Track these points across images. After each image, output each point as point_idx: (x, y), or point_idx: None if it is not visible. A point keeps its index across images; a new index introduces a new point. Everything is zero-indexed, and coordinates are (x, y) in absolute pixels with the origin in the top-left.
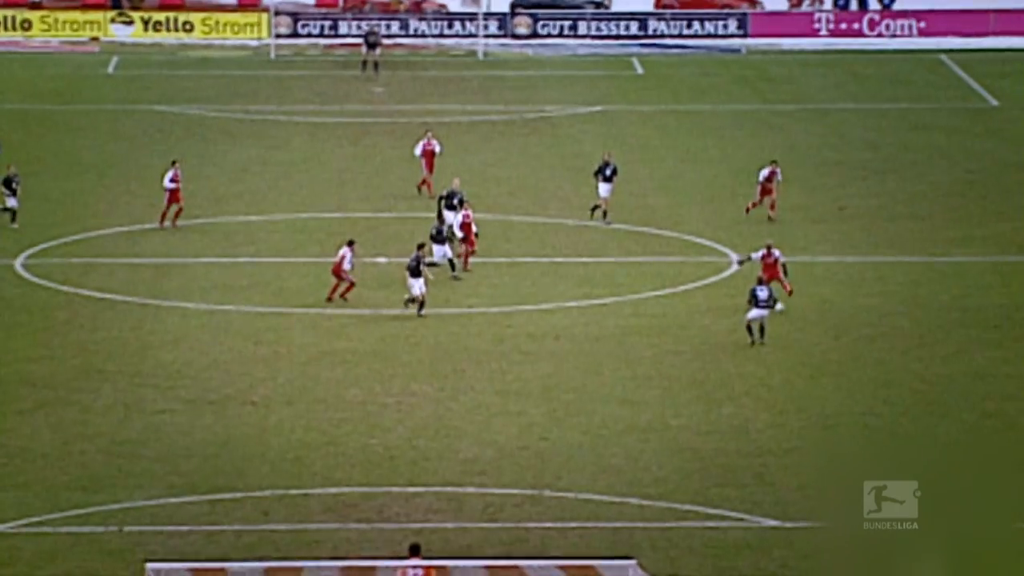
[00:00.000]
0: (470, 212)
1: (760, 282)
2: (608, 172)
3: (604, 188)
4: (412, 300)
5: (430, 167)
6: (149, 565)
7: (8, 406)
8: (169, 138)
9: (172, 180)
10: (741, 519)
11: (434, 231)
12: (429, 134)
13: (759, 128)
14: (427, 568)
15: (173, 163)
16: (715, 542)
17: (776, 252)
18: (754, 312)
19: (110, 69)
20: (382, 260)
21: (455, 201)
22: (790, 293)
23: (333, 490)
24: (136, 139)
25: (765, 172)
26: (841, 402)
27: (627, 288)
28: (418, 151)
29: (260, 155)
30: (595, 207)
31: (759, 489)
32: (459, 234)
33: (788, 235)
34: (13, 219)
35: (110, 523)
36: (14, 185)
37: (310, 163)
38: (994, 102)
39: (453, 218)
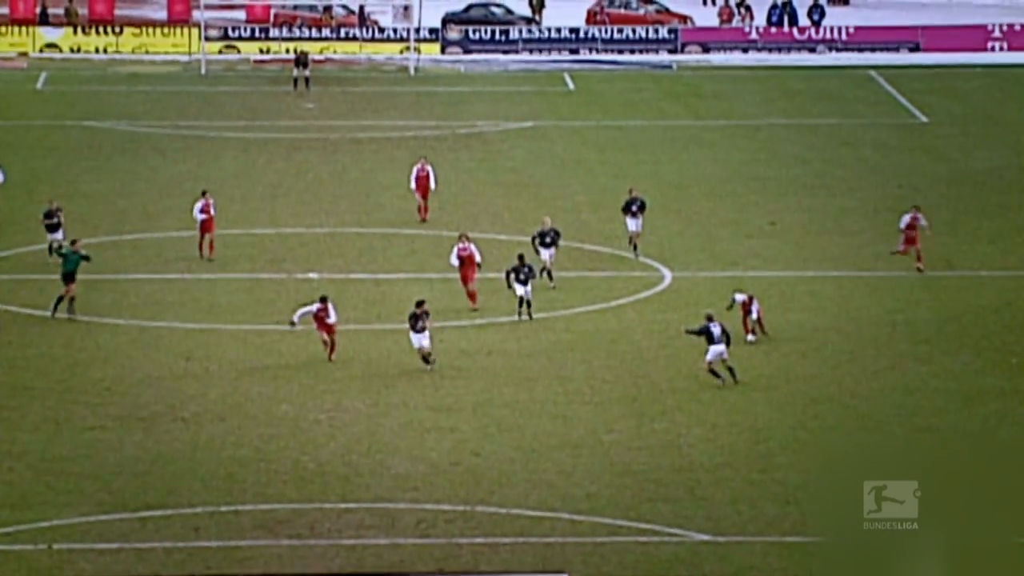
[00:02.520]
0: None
1: (710, 319)
2: (635, 207)
3: (633, 223)
4: (424, 358)
5: (424, 193)
6: None
7: None
8: (99, 154)
9: (202, 211)
10: (673, 534)
11: (517, 271)
12: (423, 160)
13: (690, 144)
14: None
15: (203, 193)
16: (647, 557)
17: (754, 305)
18: (712, 352)
19: (39, 84)
20: (313, 276)
21: (547, 239)
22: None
23: (264, 506)
24: (66, 155)
25: (906, 219)
26: (772, 417)
27: (559, 303)
28: (412, 180)
29: (191, 171)
30: (633, 243)
31: (691, 504)
32: (546, 260)
33: (718, 250)
34: (51, 252)
35: (39, 541)
36: (55, 219)
37: (241, 179)
38: (923, 118)
39: (546, 255)
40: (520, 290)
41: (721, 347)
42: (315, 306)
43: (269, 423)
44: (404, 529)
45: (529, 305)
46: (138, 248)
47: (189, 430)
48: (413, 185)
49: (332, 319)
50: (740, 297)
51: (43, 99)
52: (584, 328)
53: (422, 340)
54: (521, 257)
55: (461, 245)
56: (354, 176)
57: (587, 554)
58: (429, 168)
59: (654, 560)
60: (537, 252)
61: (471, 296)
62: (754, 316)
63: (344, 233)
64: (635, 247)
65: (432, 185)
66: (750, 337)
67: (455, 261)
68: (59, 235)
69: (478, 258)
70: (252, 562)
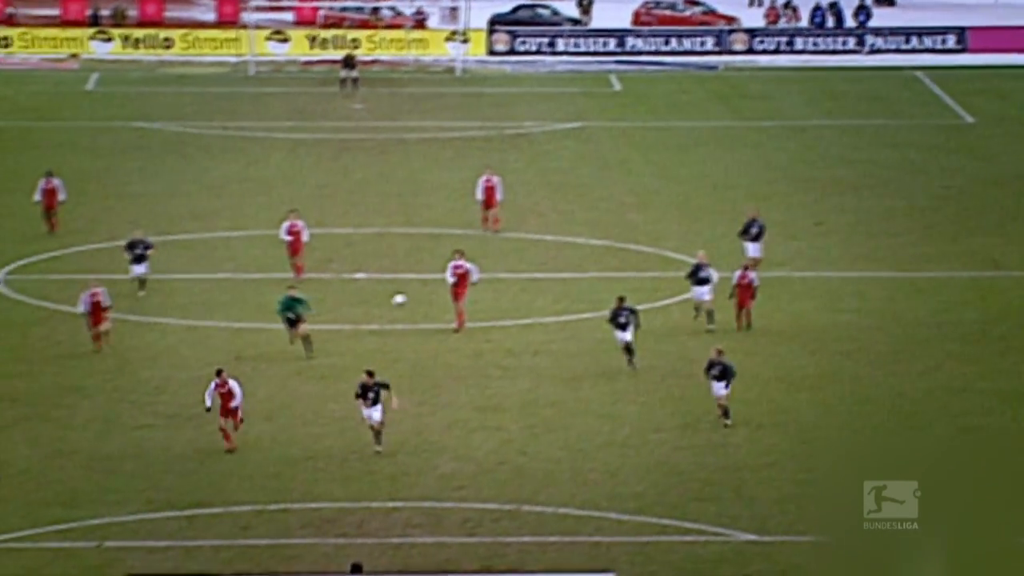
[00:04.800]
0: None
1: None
2: (755, 231)
3: (753, 248)
4: (379, 432)
5: (490, 205)
6: None
7: None
8: (148, 154)
9: (289, 232)
10: (718, 533)
11: (616, 314)
12: (488, 170)
13: (736, 144)
14: None
15: (291, 212)
16: (693, 556)
17: (751, 275)
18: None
19: (89, 86)
20: (360, 276)
21: (703, 274)
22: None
23: (312, 505)
24: (115, 155)
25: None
26: (818, 417)
27: (605, 303)
28: (479, 191)
29: (239, 171)
30: (746, 268)
31: (737, 504)
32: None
33: (765, 251)
34: (141, 287)
35: (90, 539)
36: (138, 250)
37: (289, 179)
38: (969, 119)
39: (703, 292)
40: (621, 337)
41: (627, 335)
42: (213, 383)
43: (317, 422)
44: (450, 528)
45: (631, 352)
46: (187, 248)
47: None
48: (480, 196)
49: (236, 400)
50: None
51: (93, 100)
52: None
53: (373, 413)
54: (621, 299)
55: (456, 262)
56: (401, 176)
57: (633, 553)
58: (495, 179)
59: (700, 559)
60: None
61: (459, 315)
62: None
63: (391, 233)
64: (754, 264)
65: (499, 196)
66: (709, 326)
67: (451, 279)
68: (144, 268)
69: (474, 276)
70: (300, 560)
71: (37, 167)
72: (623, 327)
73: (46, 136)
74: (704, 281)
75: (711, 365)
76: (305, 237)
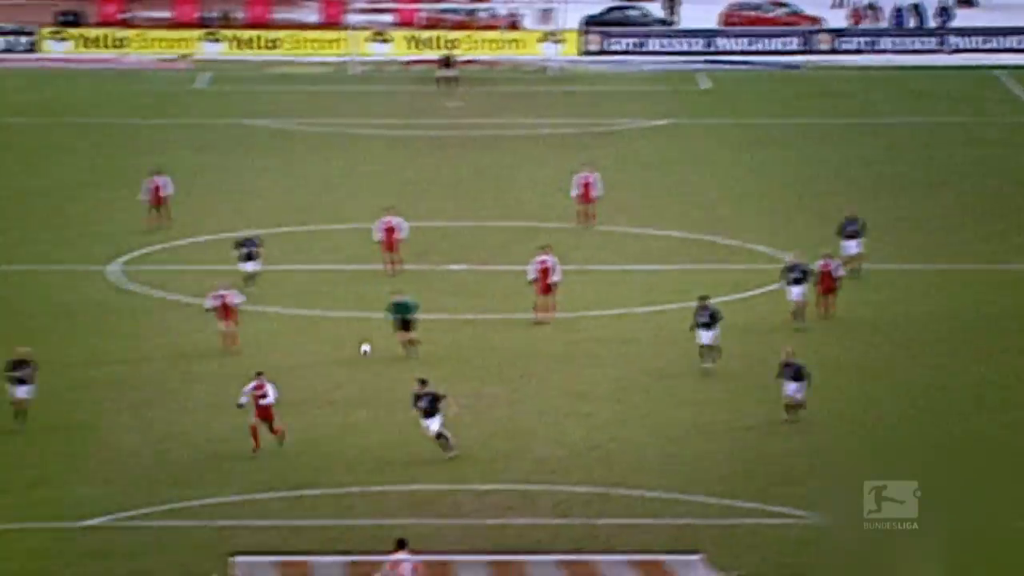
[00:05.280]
0: (548, 258)
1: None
2: (852, 229)
3: (851, 245)
4: (443, 440)
5: (587, 201)
6: (236, 559)
7: (103, 406)
8: (254, 151)
9: (383, 229)
10: (801, 517)
11: (697, 314)
12: (586, 168)
13: (819, 141)
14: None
15: (387, 209)
16: (776, 539)
17: (834, 264)
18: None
19: (200, 85)
20: (456, 267)
21: (796, 275)
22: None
23: (411, 487)
24: (223, 152)
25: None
26: (899, 405)
27: (693, 295)
28: (576, 188)
29: (341, 167)
30: (853, 269)
31: (818, 488)
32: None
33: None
34: (250, 283)
35: (201, 518)
36: (247, 249)
37: (389, 174)
38: None
39: (797, 293)
40: (702, 336)
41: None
42: (252, 383)
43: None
44: (543, 510)
45: (712, 353)
46: (291, 240)
47: (339, 414)
48: (576, 192)
49: (270, 398)
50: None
51: (203, 99)
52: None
53: (430, 424)
54: (703, 299)
55: (541, 257)
56: (496, 172)
57: (719, 535)
58: (593, 177)
59: (784, 541)
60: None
61: (545, 309)
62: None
63: (486, 227)
64: (858, 270)
65: (595, 193)
66: (799, 324)
67: (532, 274)
68: (255, 265)
69: (555, 276)
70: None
71: (150, 163)
72: (704, 327)
73: (159, 133)
74: (798, 281)
75: (784, 366)
76: (402, 234)
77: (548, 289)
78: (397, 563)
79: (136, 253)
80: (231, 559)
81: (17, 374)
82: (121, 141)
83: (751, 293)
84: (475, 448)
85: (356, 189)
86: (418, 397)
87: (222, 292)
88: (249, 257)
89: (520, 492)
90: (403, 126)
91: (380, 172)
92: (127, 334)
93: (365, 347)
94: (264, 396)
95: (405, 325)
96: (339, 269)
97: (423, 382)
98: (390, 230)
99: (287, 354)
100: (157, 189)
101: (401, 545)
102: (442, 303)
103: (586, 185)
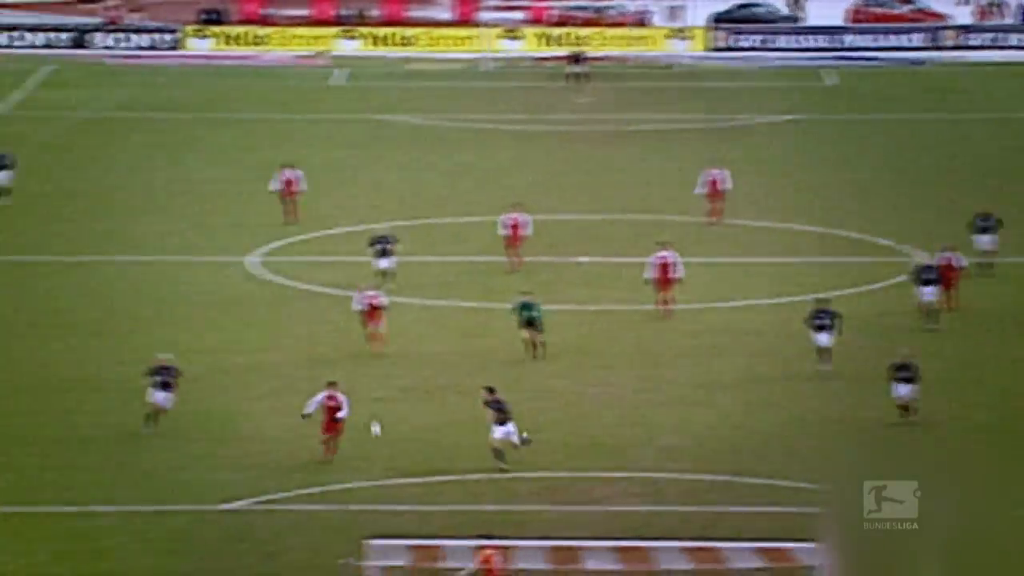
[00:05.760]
0: (668, 254)
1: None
2: (983, 224)
3: (984, 241)
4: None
5: (715, 196)
6: (369, 543)
7: (242, 393)
8: (389, 145)
9: (508, 225)
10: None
11: (813, 316)
12: (714, 165)
13: (944, 137)
14: (498, 551)
15: (513, 206)
16: (896, 530)
17: (951, 257)
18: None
19: (336, 81)
20: (584, 260)
21: (927, 275)
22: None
23: (539, 474)
24: (359, 146)
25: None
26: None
27: (818, 288)
28: (703, 187)
29: (473, 161)
30: (985, 265)
31: (940, 480)
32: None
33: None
34: (385, 279)
35: (334, 502)
36: (382, 245)
37: (520, 168)
38: None
39: (928, 293)
40: (817, 339)
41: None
42: (323, 393)
43: (544, 397)
44: (669, 498)
45: (826, 355)
46: (424, 232)
47: (469, 402)
48: (704, 189)
49: (344, 412)
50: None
51: (339, 95)
52: (841, 310)
53: (497, 431)
54: (820, 301)
55: (660, 253)
56: (623, 166)
57: (842, 524)
58: (720, 173)
59: (908, 532)
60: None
61: (665, 303)
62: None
63: (613, 220)
64: (991, 265)
65: (723, 188)
66: (931, 326)
67: (651, 272)
68: (390, 262)
69: (676, 272)
70: (527, 526)
71: (288, 158)
72: (821, 329)
73: (296, 129)
74: (930, 282)
75: (896, 367)
76: (527, 231)
77: (668, 284)
78: (488, 557)
79: (274, 245)
80: (365, 542)
81: (160, 379)
82: (260, 136)
83: (877, 286)
84: (603, 436)
85: (486, 183)
86: (487, 404)
87: (369, 295)
88: (384, 253)
89: (647, 480)
90: (533, 121)
91: (510, 166)
92: (265, 323)
93: (375, 428)
94: (338, 408)
95: (531, 323)
96: (470, 261)
97: (491, 390)
98: (515, 227)
99: (418, 344)
100: (289, 183)
101: (485, 538)
102: (570, 295)
103: (714, 182)
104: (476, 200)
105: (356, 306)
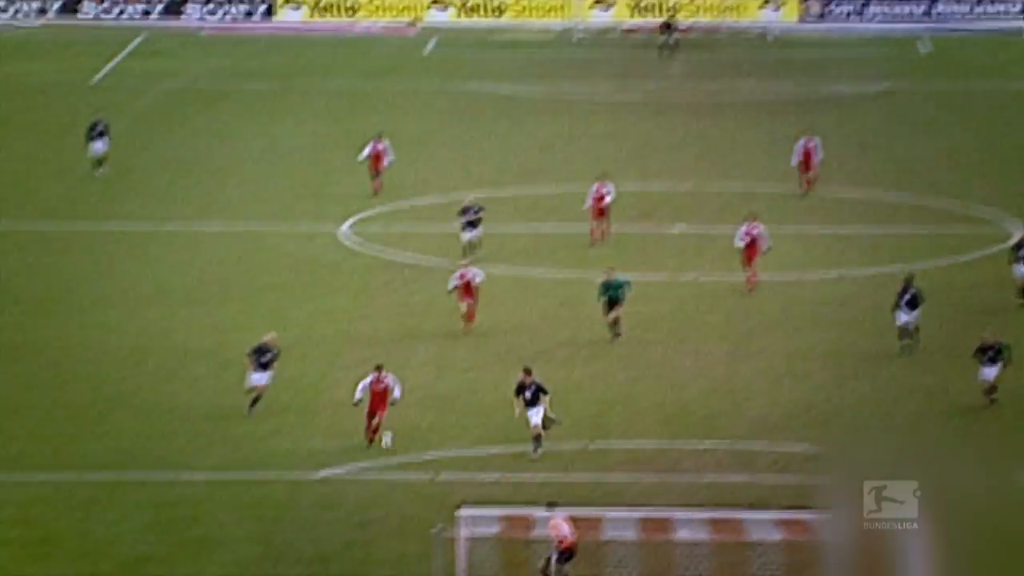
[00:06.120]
0: (757, 226)
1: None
2: None
3: None
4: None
5: (808, 167)
6: (461, 512)
7: (333, 362)
8: (479, 115)
9: (595, 196)
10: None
11: (901, 295)
12: (807, 135)
13: None
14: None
15: (600, 177)
16: (990, 495)
17: None
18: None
19: (427, 51)
20: (678, 228)
21: None
22: None
23: (630, 444)
24: (450, 116)
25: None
26: None
27: (912, 258)
28: (797, 155)
29: (564, 131)
30: None
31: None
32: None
33: None
34: (472, 250)
35: (425, 471)
36: (469, 216)
37: (611, 138)
38: None
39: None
40: (902, 317)
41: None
42: (370, 377)
43: (636, 366)
44: (760, 468)
45: (909, 335)
46: (514, 202)
47: (561, 371)
48: (797, 159)
49: (396, 394)
50: None
51: (430, 64)
52: (933, 280)
53: (532, 415)
54: (908, 279)
55: (750, 224)
56: (715, 136)
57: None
58: (813, 142)
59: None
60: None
61: (751, 277)
62: None
63: (705, 191)
64: None
65: (816, 159)
66: None
67: (740, 242)
68: (476, 233)
69: (764, 245)
70: (618, 496)
71: (378, 128)
72: (907, 307)
73: (386, 98)
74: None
75: (983, 349)
76: (610, 198)
77: (755, 257)
78: (557, 524)
79: (364, 215)
80: (457, 511)
81: (262, 360)
82: (351, 105)
83: (970, 257)
84: (693, 406)
85: (577, 152)
86: (523, 386)
87: (464, 271)
88: (471, 224)
89: (737, 451)
90: (624, 90)
91: (601, 135)
92: (357, 292)
93: (387, 439)
94: (386, 390)
95: (612, 304)
96: (560, 231)
97: (528, 371)
98: (600, 198)
99: (511, 312)
100: (378, 155)
101: (552, 506)
102: (662, 263)
103: (807, 152)
104: (566, 170)
105: (451, 284)
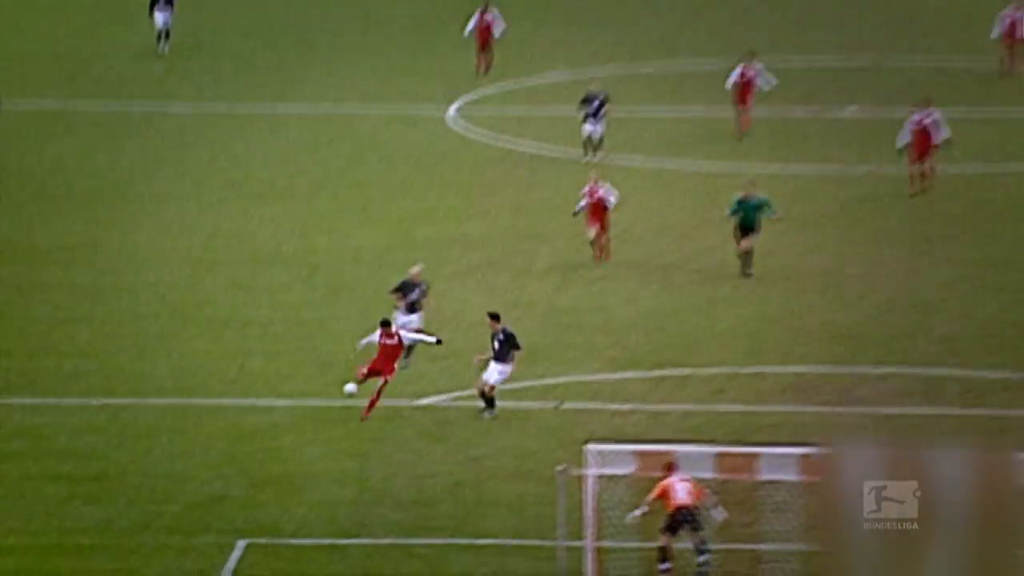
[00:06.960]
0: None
1: None
2: None
3: None
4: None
5: (1013, 40)
6: (588, 447)
7: (441, 268)
8: None
9: (736, 78)
10: None
11: None
12: (1014, 9)
13: None
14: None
15: (747, 56)
16: None
17: None
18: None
19: None
20: (851, 109)
21: None
22: None
23: (791, 369)
24: None
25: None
26: None
27: None
28: (999, 29)
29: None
30: None
31: None
32: None
33: None
34: (596, 150)
35: (547, 398)
36: (592, 106)
37: (758, 9)
38: None
39: None
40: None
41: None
42: (378, 332)
43: (799, 277)
44: (949, 397)
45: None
46: (646, 82)
47: (708, 284)
48: (999, 31)
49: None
50: None
51: None
52: None
53: (491, 374)
54: None
55: (923, 111)
56: (890, 4)
57: None
58: (1022, 11)
59: None
60: None
61: (924, 176)
62: None
63: (884, 67)
64: None
65: (1021, 31)
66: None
67: (907, 137)
68: (598, 127)
69: (940, 136)
70: (776, 429)
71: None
72: None
73: None
74: None
75: None
76: (760, 80)
77: (926, 152)
78: (670, 485)
79: (472, 96)
80: (584, 447)
81: (410, 297)
82: None
83: None
84: (868, 325)
85: (719, 27)
86: (494, 336)
87: (593, 187)
88: (593, 116)
89: (921, 376)
90: None
91: (748, 6)
92: (468, 187)
93: (350, 387)
94: (398, 347)
95: (746, 231)
96: (700, 116)
97: (495, 317)
98: (747, 82)
99: (651, 214)
100: (487, 28)
101: (671, 468)
102: (832, 153)
103: (1013, 22)
104: (707, 45)
105: (579, 205)
